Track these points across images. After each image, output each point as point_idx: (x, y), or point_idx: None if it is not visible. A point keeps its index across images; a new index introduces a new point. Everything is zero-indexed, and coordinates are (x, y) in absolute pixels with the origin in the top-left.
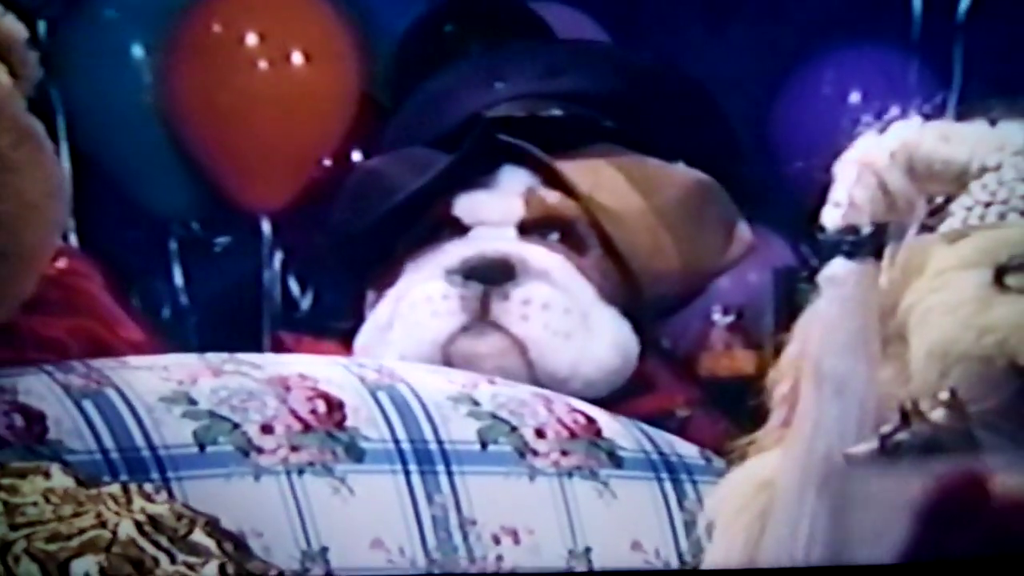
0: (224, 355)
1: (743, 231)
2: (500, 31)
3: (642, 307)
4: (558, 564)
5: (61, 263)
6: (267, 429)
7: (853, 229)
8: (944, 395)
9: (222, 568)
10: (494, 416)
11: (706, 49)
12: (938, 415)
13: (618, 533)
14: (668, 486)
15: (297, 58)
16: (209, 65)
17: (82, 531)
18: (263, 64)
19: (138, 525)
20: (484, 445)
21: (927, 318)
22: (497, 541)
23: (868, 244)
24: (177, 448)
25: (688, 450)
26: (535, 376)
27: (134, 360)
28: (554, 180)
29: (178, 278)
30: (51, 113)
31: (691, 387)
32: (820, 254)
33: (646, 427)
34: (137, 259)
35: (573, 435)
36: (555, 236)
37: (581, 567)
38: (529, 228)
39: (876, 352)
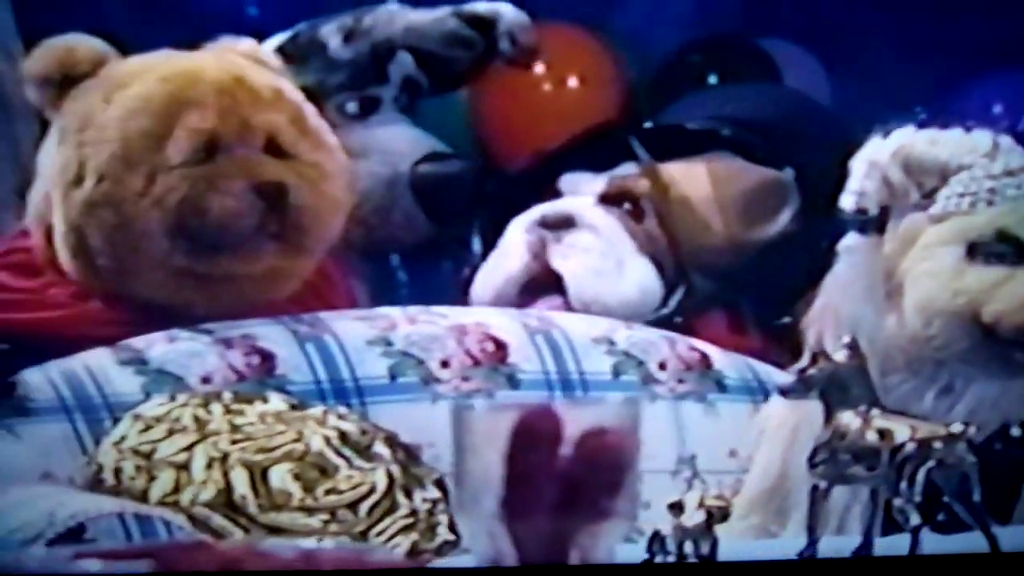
0: (420, 307)
1: (782, 218)
2: (733, 62)
3: (682, 264)
4: (669, 467)
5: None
6: (445, 364)
7: (863, 211)
8: (846, 339)
9: (388, 473)
10: (626, 353)
11: (890, 72)
12: (840, 356)
13: (719, 444)
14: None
15: (573, 82)
16: (506, 88)
17: (283, 445)
18: (547, 87)
19: (326, 439)
20: (616, 375)
21: (916, 281)
22: None
23: (875, 222)
24: (374, 379)
25: (784, 378)
26: (569, 302)
27: (350, 312)
28: (650, 172)
29: (476, 246)
30: None
31: None
32: (840, 230)
33: (752, 361)
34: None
35: (688, 367)
36: (628, 206)
37: (687, 470)
38: (609, 199)
39: (882, 303)
